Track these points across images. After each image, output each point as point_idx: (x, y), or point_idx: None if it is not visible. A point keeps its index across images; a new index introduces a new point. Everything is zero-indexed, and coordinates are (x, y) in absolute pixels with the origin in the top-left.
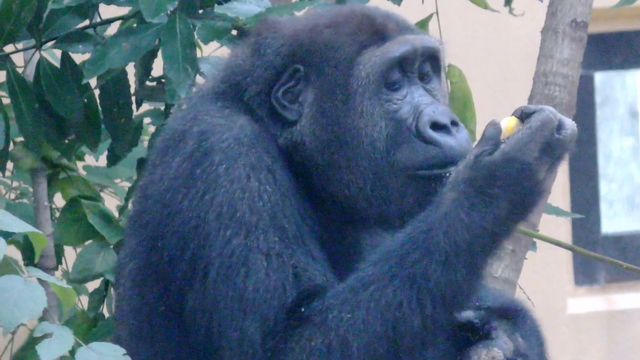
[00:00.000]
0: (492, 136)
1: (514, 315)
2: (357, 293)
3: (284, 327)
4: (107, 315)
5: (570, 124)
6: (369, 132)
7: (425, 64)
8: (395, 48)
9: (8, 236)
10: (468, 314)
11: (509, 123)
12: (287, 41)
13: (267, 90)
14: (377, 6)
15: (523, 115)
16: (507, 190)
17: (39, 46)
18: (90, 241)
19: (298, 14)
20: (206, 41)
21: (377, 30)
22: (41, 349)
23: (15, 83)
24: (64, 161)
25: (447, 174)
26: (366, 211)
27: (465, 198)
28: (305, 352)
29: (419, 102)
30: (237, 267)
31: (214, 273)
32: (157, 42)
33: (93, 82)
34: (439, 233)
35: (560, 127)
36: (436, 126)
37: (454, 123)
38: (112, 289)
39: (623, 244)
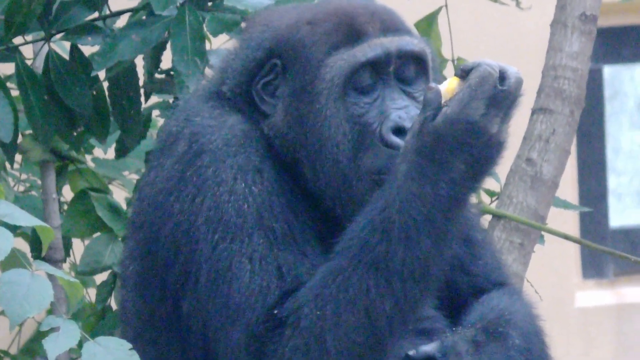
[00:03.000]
0: (433, 101)
1: (505, 322)
2: (326, 286)
3: (266, 331)
4: (115, 307)
5: (513, 73)
6: (332, 135)
7: (405, 67)
8: (365, 52)
9: (16, 229)
10: (428, 348)
11: (449, 85)
12: (270, 34)
13: (249, 82)
14: (376, 1)
15: (463, 74)
16: (457, 152)
17: (48, 38)
18: (98, 233)
19: None
20: (215, 34)
21: (354, 31)
22: (48, 343)
23: (25, 75)
24: (73, 153)
25: None
26: (333, 211)
27: (415, 169)
28: (286, 355)
29: (389, 106)
30: (223, 273)
31: (204, 279)
32: (166, 34)
33: (102, 74)
34: (393, 211)
35: (503, 78)
36: (401, 131)
37: None
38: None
39: (632, 237)
